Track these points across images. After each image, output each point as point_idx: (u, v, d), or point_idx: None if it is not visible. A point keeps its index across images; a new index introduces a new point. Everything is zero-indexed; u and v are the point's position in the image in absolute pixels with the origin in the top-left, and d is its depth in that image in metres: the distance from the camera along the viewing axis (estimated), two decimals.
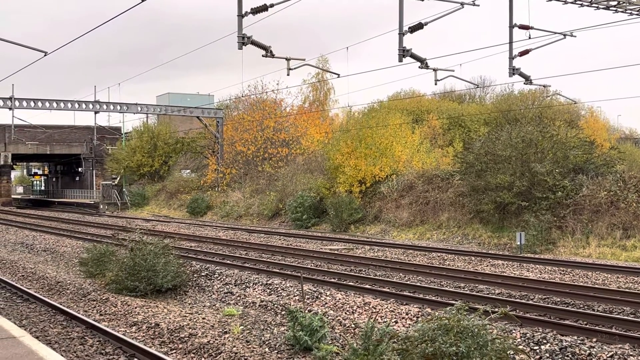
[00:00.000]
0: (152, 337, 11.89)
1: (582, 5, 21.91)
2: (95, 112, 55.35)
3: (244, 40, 17.70)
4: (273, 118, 49.86)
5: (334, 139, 42.63)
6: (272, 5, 17.38)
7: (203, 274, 18.07)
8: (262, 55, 18.47)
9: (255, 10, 17.38)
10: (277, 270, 18.17)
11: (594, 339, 9.86)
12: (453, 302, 11.56)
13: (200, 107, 56.00)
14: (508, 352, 7.86)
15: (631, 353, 8.89)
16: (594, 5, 22.14)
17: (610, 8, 22.73)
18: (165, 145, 58.72)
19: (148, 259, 16.33)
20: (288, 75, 20.35)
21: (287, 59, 19.82)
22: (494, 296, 14.38)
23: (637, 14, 23.41)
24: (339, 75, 25.25)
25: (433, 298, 14.09)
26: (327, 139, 46.53)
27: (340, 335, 11.58)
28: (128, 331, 12.31)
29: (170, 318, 13.09)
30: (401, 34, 18.31)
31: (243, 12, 17.55)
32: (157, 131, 59.83)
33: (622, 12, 23.08)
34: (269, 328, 12.32)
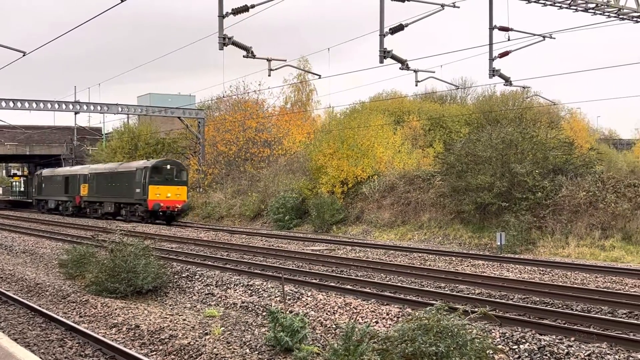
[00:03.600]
0: (132, 338, 11.83)
1: (561, 7, 22.10)
2: (76, 113, 54.97)
3: (225, 41, 17.68)
4: (255, 119, 49.79)
5: (316, 139, 42.66)
6: (253, 6, 17.38)
7: (184, 275, 18.00)
8: (243, 56, 18.47)
9: (236, 11, 17.37)
10: (259, 271, 18.15)
11: (572, 338, 9.96)
12: (433, 302, 11.61)
13: (182, 107, 55.79)
14: (487, 352, 7.91)
15: (608, 352, 8.99)
16: (572, 7, 22.35)
17: (589, 10, 22.96)
18: (146, 146, 58.37)
19: (128, 260, 16.24)
20: (269, 75, 20.37)
21: (268, 60, 19.83)
22: (474, 296, 14.47)
23: (614, 17, 23.68)
24: (320, 76, 25.30)
25: (414, 298, 14.14)
26: (309, 139, 46.55)
27: (321, 335, 11.60)
28: (108, 333, 12.24)
29: (150, 319, 13.03)
30: (382, 35, 18.38)
31: (224, 13, 17.54)
32: (138, 132, 59.50)
33: (600, 14, 23.34)
34: (250, 329, 12.30)
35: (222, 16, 17.56)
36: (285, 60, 20.89)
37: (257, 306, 14.31)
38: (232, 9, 17.57)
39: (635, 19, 24.06)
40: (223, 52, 18.27)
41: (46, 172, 58.36)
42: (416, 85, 21.58)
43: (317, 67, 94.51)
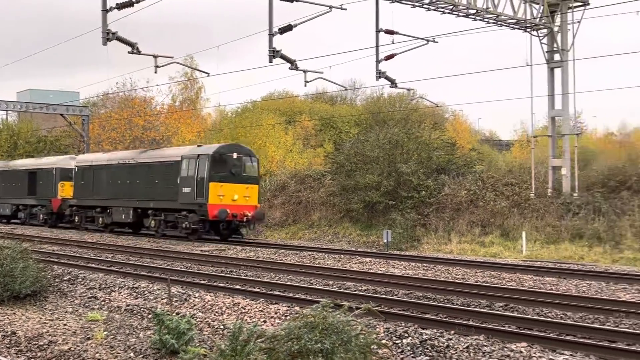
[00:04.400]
0: (7, 345, 11.25)
1: (444, 12, 23.02)
2: None
3: (109, 36, 17.16)
4: (142, 116, 48.64)
5: (206, 138, 42.19)
6: (138, 1, 16.96)
7: (65, 278, 17.31)
8: (129, 52, 18.00)
9: (121, 6, 16.91)
10: (145, 273, 17.75)
11: (452, 331, 10.33)
12: (321, 299, 11.76)
13: (65, 104, 53.58)
14: (371, 347, 8.09)
15: (485, 343, 9.40)
16: (454, 13, 23.33)
17: (470, 16, 24.05)
18: (27, 145, 55.71)
19: (4, 263, 15.41)
20: (155, 72, 20.01)
21: (155, 57, 19.44)
22: (361, 293, 14.75)
23: (493, 23, 24.92)
24: (208, 74, 25.08)
25: (302, 296, 14.24)
26: (199, 138, 46.00)
27: (208, 337, 11.47)
28: None
29: (28, 325, 12.44)
30: (271, 35, 18.45)
31: (108, 7, 17.03)
32: (17, 129, 56.69)
33: (480, 20, 24.51)
34: (134, 332, 11.99)
35: (105, 10, 17.05)
36: (172, 58, 20.56)
37: (142, 309, 13.97)
38: (117, 4, 17.11)
39: (512, 25, 25.40)
40: (107, 47, 17.76)
41: None
42: (305, 85, 21.86)
43: (206, 65, 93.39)
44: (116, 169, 33.18)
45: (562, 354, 8.78)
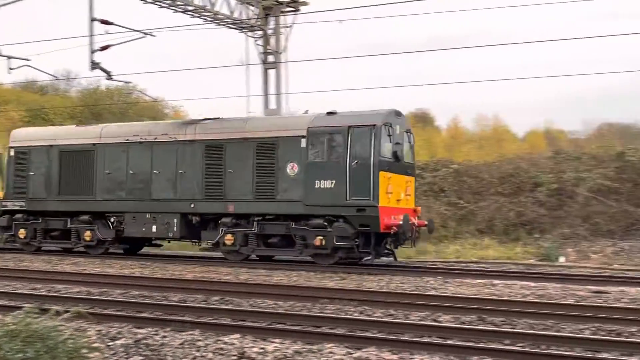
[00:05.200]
0: None
1: (161, 6, 22.79)
2: None
3: None
4: None
5: None
6: None
7: None
8: None
9: None
10: None
11: (168, 328, 10.28)
12: (27, 305, 10.92)
13: None
14: (81, 351, 7.77)
15: (200, 338, 9.51)
16: (172, 7, 23.24)
17: (188, 12, 24.15)
18: None
19: None
20: None
21: None
22: (73, 295, 14.03)
23: (211, 21, 25.32)
24: None
25: (5, 303, 13.09)
26: None
27: None
28: None
29: None
30: None
31: None
32: None
33: (197, 17, 24.75)
34: None
35: None
36: None
37: None
38: None
39: (229, 25, 26.02)
40: None
41: None
42: (9, 72, 20.12)
43: None
44: (127, 151, 21.10)
45: (273, 342, 9.21)
